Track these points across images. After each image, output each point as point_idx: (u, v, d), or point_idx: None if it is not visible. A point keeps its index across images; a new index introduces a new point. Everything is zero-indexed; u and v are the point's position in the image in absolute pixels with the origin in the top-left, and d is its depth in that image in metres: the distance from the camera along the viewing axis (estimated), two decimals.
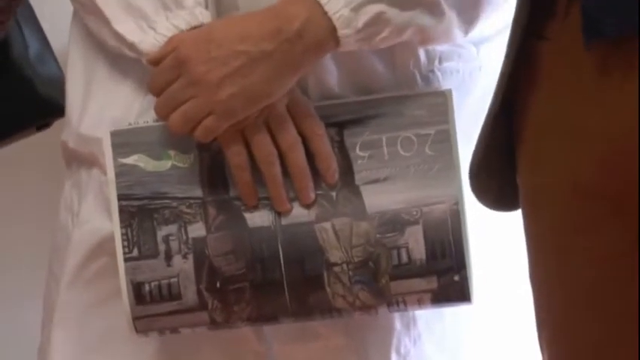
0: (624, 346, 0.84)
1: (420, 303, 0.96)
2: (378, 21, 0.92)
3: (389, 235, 0.94)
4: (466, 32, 0.98)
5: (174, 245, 0.95)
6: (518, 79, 0.89)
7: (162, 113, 0.94)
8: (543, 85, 0.88)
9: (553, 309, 0.93)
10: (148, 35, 0.95)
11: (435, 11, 0.95)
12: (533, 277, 0.92)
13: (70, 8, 1.06)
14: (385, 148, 0.96)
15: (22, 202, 1.56)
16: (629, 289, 0.85)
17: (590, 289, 0.86)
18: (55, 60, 1.24)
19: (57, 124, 1.17)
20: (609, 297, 0.85)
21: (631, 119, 0.79)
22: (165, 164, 0.98)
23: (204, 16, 0.94)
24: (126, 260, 0.94)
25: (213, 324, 0.97)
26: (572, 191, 0.85)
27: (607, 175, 0.82)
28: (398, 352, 1.02)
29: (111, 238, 0.96)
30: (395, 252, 0.95)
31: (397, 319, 1.01)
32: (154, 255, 0.95)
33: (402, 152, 0.96)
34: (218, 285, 0.95)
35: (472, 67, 1.02)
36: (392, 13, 0.92)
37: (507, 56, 0.88)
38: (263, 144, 0.94)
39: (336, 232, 0.95)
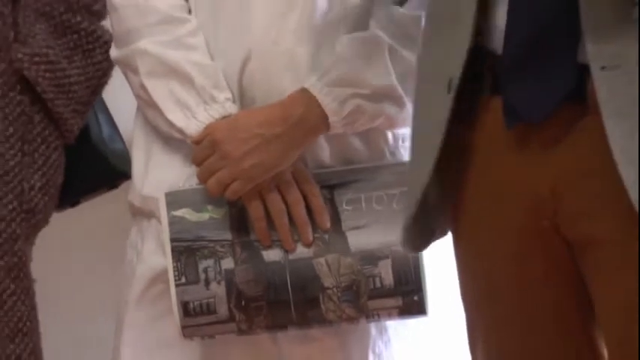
0: (544, 355, 1.07)
1: (390, 316, 1.21)
2: (357, 111, 1.17)
3: (367, 267, 1.18)
4: None
5: (211, 274, 1.18)
6: (451, 155, 1.09)
7: (202, 179, 1.18)
8: (475, 160, 1.09)
9: (484, 324, 1.15)
10: (191, 122, 1.19)
11: (399, 103, 1.20)
12: (465, 296, 1.15)
13: (131, 101, 1.33)
14: (363, 203, 1.21)
15: (98, 241, 1.82)
16: (549, 308, 1.06)
17: (517, 308, 1.08)
18: (122, 139, 1.49)
19: (123, 185, 1.44)
20: (532, 315, 1.07)
21: (546, 179, 1.01)
22: (205, 216, 1.21)
23: (232, 108, 1.19)
24: (176, 285, 1.18)
25: (240, 331, 1.20)
26: (501, 231, 1.06)
27: (532, 220, 1.03)
28: (374, 352, 1.26)
29: (165, 271, 1.20)
30: (371, 279, 1.18)
31: (373, 327, 1.25)
32: (197, 281, 1.19)
33: (375, 207, 1.21)
34: (243, 303, 1.19)
35: None
36: (367, 105, 1.18)
37: (426, 139, 1.10)
38: (275, 201, 1.18)
39: (328, 265, 1.19)
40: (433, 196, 1.13)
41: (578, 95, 1.02)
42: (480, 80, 1.10)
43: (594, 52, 0.99)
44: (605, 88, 0.99)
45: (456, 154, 1.10)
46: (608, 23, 1.00)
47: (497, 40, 1.06)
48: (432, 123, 1.12)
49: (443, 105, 1.08)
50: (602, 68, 0.99)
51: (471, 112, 1.09)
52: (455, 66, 1.09)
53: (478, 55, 1.08)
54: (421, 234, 1.17)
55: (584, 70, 1.00)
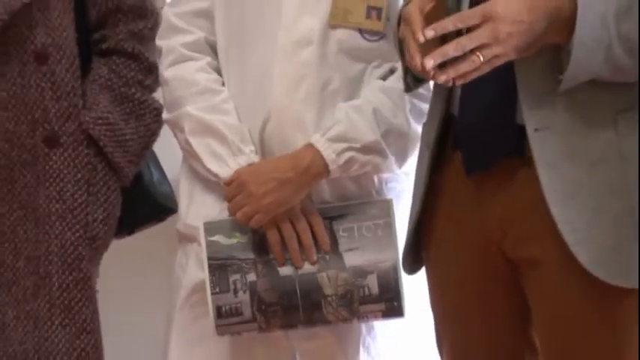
0: (492, 347, 1.26)
1: (376, 317, 1.40)
2: (350, 161, 1.36)
3: (358, 279, 1.36)
4: (400, 167, 1.43)
5: (238, 285, 1.37)
6: (427, 199, 1.26)
7: (232, 212, 1.37)
8: (444, 201, 1.27)
9: (447, 325, 1.32)
10: (224, 169, 1.38)
11: (383, 155, 1.37)
12: (434, 306, 1.32)
13: (176, 153, 1.55)
14: (356, 231, 1.39)
15: (151, 262, 2.07)
16: (498, 313, 1.24)
17: (474, 313, 1.26)
18: (168, 182, 1.70)
19: (170, 219, 1.66)
20: (485, 317, 1.25)
21: (494, 216, 1.18)
22: (234, 240, 1.40)
23: (255, 158, 1.38)
24: (212, 294, 1.36)
25: (260, 329, 1.39)
26: (461, 256, 1.24)
27: (484, 247, 1.21)
28: (364, 345, 1.46)
29: (203, 283, 1.39)
30: (361, 289, 1.37)
31: (363, 326, 1.45)
32: (227, 291, 1.37)
33: (365, 234, 1.39)
34: (263, 307, 1.37)
35: (403, 185, 1.47)
36: (358, 156, 1.36)
37: (417, 188, 1.29)
38: (288, 229, 1.36)
39: (329, 278, 1.38)
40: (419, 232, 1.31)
41: (520, 150, 1.17)
42: (446, 139, 1.26)
43: (529, 116, 1.14)
44: (538, 145, 1.14)
45: (430, 197, 1.28)
46: (539, 94, 1.15)
47: (457, 108, 1.24)
48: (420, 175, 1.30)
49: (425, 160, 1.27)
50: (535, 130, 1.13)
51: (440, 164, 1.26)
52: (433, 130, 1.26)
53: (448, 120, 1.26)
54: (414, 261, 1.35)
55: (523, 131, 1.14)
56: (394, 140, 1.42)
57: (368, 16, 1.41)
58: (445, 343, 1.35)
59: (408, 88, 1.31)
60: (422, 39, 1.11)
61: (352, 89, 1.44)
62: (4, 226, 1.58)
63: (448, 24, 1.11)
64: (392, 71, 1.45)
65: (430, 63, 1.11)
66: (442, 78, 1.11)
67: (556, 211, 1.14)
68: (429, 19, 1.14)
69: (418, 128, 1.42)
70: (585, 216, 1.16)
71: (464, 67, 1.10)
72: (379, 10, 1.40)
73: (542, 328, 1.27)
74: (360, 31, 1.41)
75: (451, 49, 1.09)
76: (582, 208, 1.16)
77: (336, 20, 1.41)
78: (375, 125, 1.40)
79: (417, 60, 1.13)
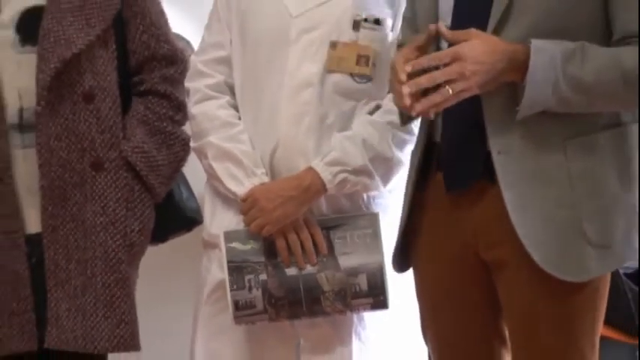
0: (470, 338, 1.34)
1: (365, 309, 1.49)
2: (344, 181, 1.46)
3: (351, 278, 1.45)
4: (384, 186, 1.51)
5: (252, 283, 1.46)
6: (413, 213, 1.34)
7: (247, 223, 1.47)
8: (429, 213, 1.34)
9: (431, 318, 1.38)
10: (240, 188, 1.48)
11: (370, 177, 1.47)
12: (420, 298, 1.40)
13: (201, 175, 1.64)
14: (349, 239, 1.48)
15: (179, 264, 2.14)
16: (473, 307, 1.32)
17: (454, 307, 1.33)
18: (195, 199, 1.77)
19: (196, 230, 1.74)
20: (462, 310, 1.32)
21: (470, 227, 1.26)
22: (248, 247, 1.48)
23: (265, 179, 1.48)
24: (231, 291, 1.46)
25: (270, 319, 1.47)
26: (443, 260, 1.32)
27: (462, 252, 1.28)
28: (356, 333, 1.54)
29: (224, 282, 1.47)
30: (353, 286, 1.46)
31: (355, 317, 1.53)
32: (243, 288, 1.46)
33: (356, 240, 1.48)
34: (272, 301, 1.46)
35: (388, 201, 1.55)
36: (350, 177, 1.46)
37: (405, 202, 1.36)
38: (293, 237, 1.46)
39: (327, 278, 1.46)
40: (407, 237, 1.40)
41: (489, 173, 1.25)
42: (431, 162, 1.34)
43: (493, 143, 1.23)
44: (501, 167, 1.22)
45: (416, 209, 1.36)
46: (501, 124, 1.23)
47: (439, 135, 1.32)
48: (408, 191, 1.38)
49: (412, 180, 1.37)
50: (498, 153, 1.22)
51: (425, 182, 1.35)
52: (418, 155, 1.36)
53: (432, 147, 1.33)
54: (402, 262, 1.43)
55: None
56: (380, 164, 1.51)
57: (358, 62, 1.50)
58: (429, 331, 1.43)
59: (403, 123, 1.40)
60: (404, 78, 1.19)
61: (345, 122, 1.52)
62: (59, 236, 1.63)
63: (424, 61, 1.20)
64: (377, 107, 1.52)
65: (407, 90, 1.19)
66: (418, 107, 1.19)
67: (515, 221, 1.23)
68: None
69: (400, 154, 1.51)
70: (537, 224, 1.24)
71: (436, 97, 1.18)
72: (367, 57, 1.49)
73: (511, 319, 1.34)
74: (352, 75, 1.50)
75: (424, 80, 1.18)
76: (535, 218, 1.24)
77: (331, 66, 1.50)
78: (364, 152, 1.49)
79: (400, 97, 1.20)
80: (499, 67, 1.21)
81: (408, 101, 1.19)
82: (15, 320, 1.68)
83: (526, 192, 1.25)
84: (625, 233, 1.31)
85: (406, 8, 1.44)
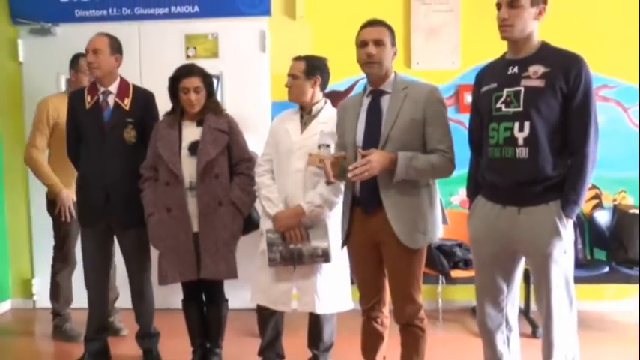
0: (370, 277, 2.91)
1: (320, 262, 3.24)
2: (316, 211, 3.15)
3: (316, 250, 3.20)
4: (330, 211, 3.19)
5: (274, 249, 3.23)
6: (349, 223, 2.84)
7: (275, 226, 3.20)
8: (355, 223, 2.83)
9: (355, 272, 3.02)
10: (272, 211, 3.23)
11: (324, 209, 3.16)
12: (351, 263, 3.04)
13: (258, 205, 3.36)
14: (314, 234, 3.18)
15: (252, 245, 3.48)
16: (373, 264, 2.82)
17: (364, 264, 2.88)
18: (258, 215, 3.42)
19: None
20: (367, 265, 2.86)
21: (372, 230, 2.77)
22: (274, 235, 3.23)
23: (282, 209, 3.19)
24: (268, 253, 3.24)
25: (283, 264, 3.27)
26: (361, 245, 2.85)
27: (369, 241, 2.78)
28: (319, 272, 3.27)
29: (264, 250, 3.25)
30: (316, 252, 3.21)
31: (317, 265, 3.26)
32: (272, 252, 3.24)
33: (318, 235, 3.18)
34: (283, 258, 3.24)
35: (332, 219, 3.16)
36: (317, 209, 3.17)
37: (344, 219, 2.92)
38: (292, 233, 3.18)
39: (306, 249, 3.21)
40: (346, 234, 2.79)
41: (380, 204, 2.58)
42: (355, 202, 2.77)
43: (382, 193, 2.59)
44: (386, 202, 2.61)
45: (350, 222, 2.80)
46: (386, 184, 2.57)
47: (358, 192, 2.77)
48: (345, 215, 2.81)
49: (347, 210, 2.79)
50: (385, 196, 2.59)
51: (353, 210, 2.77)
52: (348, 199, 2.83)
53: (355, 196, 2.75)
54: (344, 244, 2.86)
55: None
56: (329, 204, 2.96)
57: (319, 162, 2.78)
58: (355, 275, 2.75)
59: (327, 184, 2.83)
60: (333, 180, 2.54)
61: (314, 186, 2.94)
62: (205, 232, 3.09)
63: (357, 166, 2.40)
64: (328, 183, 2.81)
65: (350, 175, 2.45)
66: (350, 176, 2.39)
67: (392, 224, 2.44)
68: (333, 165, 2.64)
69: (336, 200, 3.00)
70: (401, 224, 2.44)
71: (359, 173, 2.34)
72: (322, 159, 2.75)
73: (388, 266, 2.61)
74: (317, 167, 2.82)
75: (357, 171, 2.34)
76: (400, 222, 2.44)
77: (309, 164, 2.92)
78: (323, 198, 2.94)
79: (328, 175, 2.58)
80: (385, 164, 2.35)
81: (332, 177, 2.62)
82: (188, 264, 3.20)
83: (396, 212, 2.44)
84: (430, 228, 2.52)
85: (339, 139, 2.89)
